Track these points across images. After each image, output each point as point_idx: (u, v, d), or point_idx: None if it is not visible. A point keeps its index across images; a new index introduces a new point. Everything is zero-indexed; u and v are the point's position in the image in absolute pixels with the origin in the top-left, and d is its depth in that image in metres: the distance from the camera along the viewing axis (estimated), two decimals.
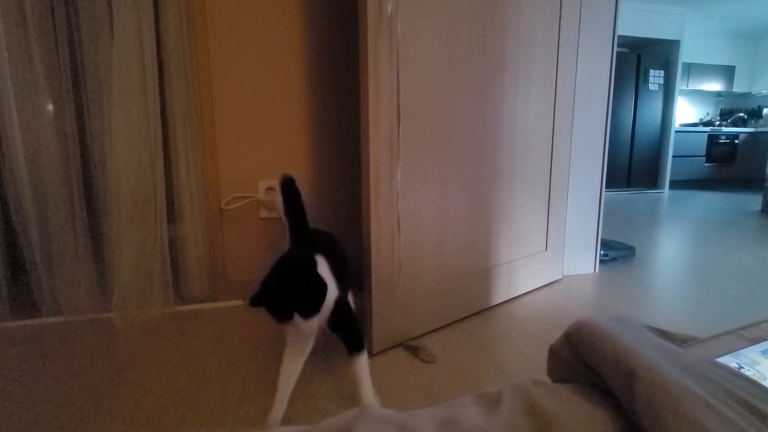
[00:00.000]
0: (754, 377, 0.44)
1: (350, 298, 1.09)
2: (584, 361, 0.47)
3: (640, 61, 4.74)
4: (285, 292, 0.67)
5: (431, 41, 1.03)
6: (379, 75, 0.92)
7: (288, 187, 0.87)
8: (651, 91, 4.84)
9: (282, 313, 0.66)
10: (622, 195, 4.74)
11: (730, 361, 0.50)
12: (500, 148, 1.25)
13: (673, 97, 4.90)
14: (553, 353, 0.54)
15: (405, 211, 1.03)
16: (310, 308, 0.68)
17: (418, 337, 1.11)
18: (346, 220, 1.50)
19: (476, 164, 1.19)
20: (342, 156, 1.47)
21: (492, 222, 1.28)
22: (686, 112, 5.81)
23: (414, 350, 1.03)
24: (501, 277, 1.33)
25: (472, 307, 1.26)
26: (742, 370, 0.48)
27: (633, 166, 4.93)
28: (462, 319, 1.23)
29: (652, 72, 4.80)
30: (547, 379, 0.54)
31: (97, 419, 0.77)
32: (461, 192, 1.17)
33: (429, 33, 1.02)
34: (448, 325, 1.19)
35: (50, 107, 1.20)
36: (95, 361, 0.99)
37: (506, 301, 1.37)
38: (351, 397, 0.84)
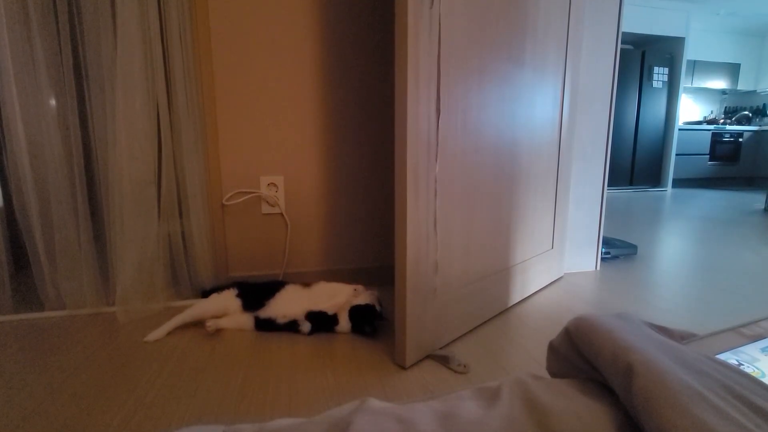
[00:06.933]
0: (753, 374, 0.44)
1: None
2: (583, 356, 0.47)
3: (645, 58, 4.71)
4: None
5: (466, 29, 0.97)
6: (418, 63, 0.85)
7: None
8: (655, 88, 4.81)
9: None
10: (624, 193, 4.72)
11: (729, 357, 0.50)
12: (519, 145, 1.23)
13: (677, 94, 4.87)
14: (553, 348, 0.54)
15: (439, 209, 0.97)
16: None
17: (446, 345, 1.05)
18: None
19: (499, 160, 1.16)
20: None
21: (511, 220, 1.25)
22: (690, 109, 5.77)
23: (444, 360, 0.96)
24: (516, 277, 1.31)
25: (492, 309, 1.22)
26: (741, 367, 0.48)
27: (636, 164, 4.91)
28: (482, 324, 1.18)
29: (656, 69, 4.77)
30: (546, 374, 0.54)
31: (99, 413, 0.78)
32: (486, 189, 1.13)
33: (463, 20, 0.96)
34: (471, 331, 1.14)
35: (53, 102, 1.20)
36: (97, 355, 1.00)
37: (519, 301, 1.35)
38: (352, 393, 0.85)
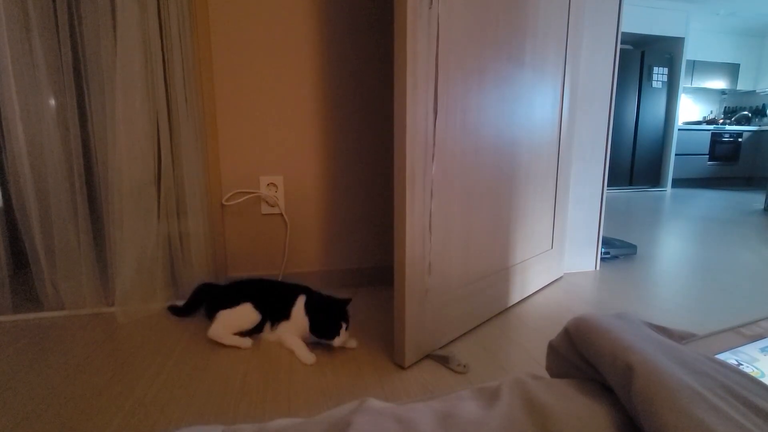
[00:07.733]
0: (752, 374, 0.44)
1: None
2: (583, 356, 0.47)
3: (644, 59, 4.71)
4: None
5: (466, 29, 0.96)
6: (417, 63, 0.84)
7: None
8: (654, 88, 4.82)
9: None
10: (624, 193, 4.72)
11: (729, 357, 0.50)
12: (518, 145, 1.22)
13: (677, 94, 4.87)
14: (553, 348, 0.54)
15: (436, 210, 0.97)
16: None
17: (445, 345, 1.05)
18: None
19: (499, 161, 1.16)
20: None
21: (510, 220, 1.25)
22: (690, 110, 5.78)
23: (444, 360, 0.96)
24: (516, 277, 1.31)
25: (492, 309, 1.22)
26: (740, 367, 0.48)
27: (635, 164, 4.91)
28: (482, 324, 1.18)
29: (655, 69, 4.77)
30: (546, 374, 0.54)
31: (99, 413, 0.78)
32: (486, 189, 1.12)
33: (462, 20, 0.95)
34: (470, 331, 1.14)
35: (52, 102, 1.20)
36: (97, 355, 1.00)
37: (519, 302, 1.35)
38: (352, 393, 0.85)
